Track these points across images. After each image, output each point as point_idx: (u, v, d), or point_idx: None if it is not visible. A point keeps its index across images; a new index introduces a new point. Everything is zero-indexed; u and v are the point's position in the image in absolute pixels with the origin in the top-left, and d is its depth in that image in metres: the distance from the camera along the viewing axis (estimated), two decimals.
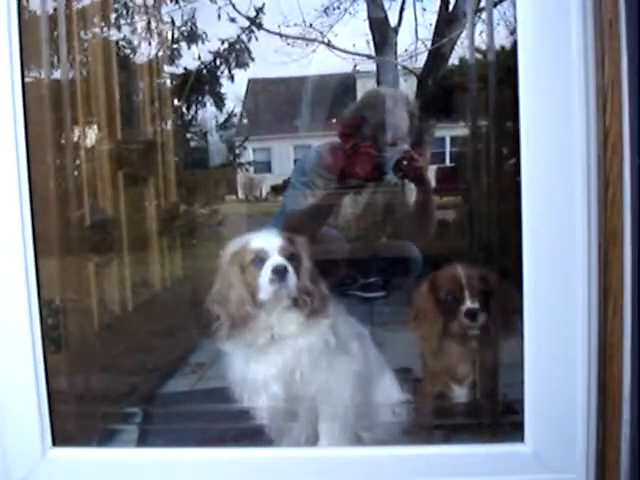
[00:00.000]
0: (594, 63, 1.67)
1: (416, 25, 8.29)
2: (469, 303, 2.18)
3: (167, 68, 5.16)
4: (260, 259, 2.14)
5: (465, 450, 1.89)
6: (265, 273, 2.12)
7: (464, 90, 2.44)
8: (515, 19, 1.72)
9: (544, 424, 1.79)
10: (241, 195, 8.61)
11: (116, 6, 4.48)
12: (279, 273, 2.11)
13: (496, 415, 2.19)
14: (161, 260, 4.41)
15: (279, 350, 2.17)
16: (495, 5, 3.32)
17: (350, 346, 2.30)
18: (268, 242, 2.17)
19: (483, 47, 2.41)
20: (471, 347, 2.26)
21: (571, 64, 1.67)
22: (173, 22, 6.32)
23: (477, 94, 2.37)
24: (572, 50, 1.67)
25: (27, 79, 1.87)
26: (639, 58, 1.66)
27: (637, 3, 1.65)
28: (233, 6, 6.86)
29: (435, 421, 2.30)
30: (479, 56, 2.33)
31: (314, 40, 7.96)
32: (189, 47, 7.07)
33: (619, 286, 1.70)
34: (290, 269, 2.12)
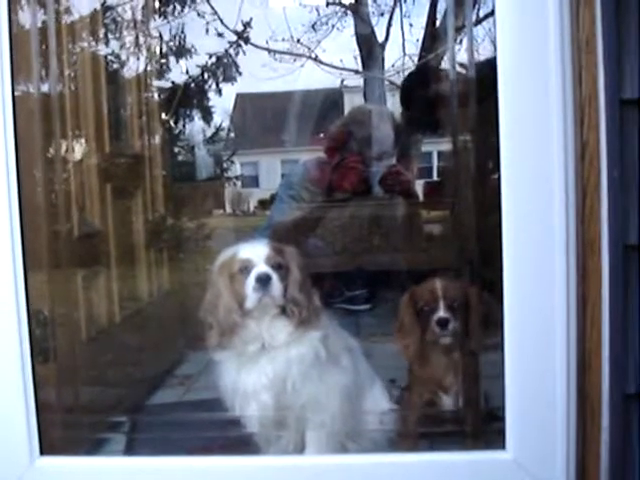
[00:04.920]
0: (572, 78, 1.71)
1: (403, 40, 8.36)
2: (441, 313, 2.28)
3: (155, 82, 5.17)
4: (247, 268, 2.17)
5: (448, 457, 1.91)
6: (250, 282, 2.15)
7: (448, 105, 2.47)
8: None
9: (525, 431, 1.82)
10: (229, 209, 8.63)
11: (105, 21, 4.50)
12: (262, 281, 2.14)
13: (478, 423, 2.22)
14: (148, 273, 4.42)
15: (269, 360, 2.19)
16: (478, 23, 3.37)
17: (341, 359, 2.32)
18: (255, 252, 2.20)
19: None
20: (452, 357, 2.33)
21: (549, 79, 1.71)
22: (161, 37, 6.34)
23: (459, 109, 2.41)
24: (550, 65, 1.71)
25: (16, 92, 1.89)
26: (616, 73, 1.70)
27: (614, 21, 1.69)
28: (221, 21, 6.90)
29: (420, 429, 2.33)
30: (464, 71, 2.35)
31: (302, 55, 8.00)
32: (177, 61, 7.11)
33: (597, 295, 1.74)
34: (274, 277, 2.15)
